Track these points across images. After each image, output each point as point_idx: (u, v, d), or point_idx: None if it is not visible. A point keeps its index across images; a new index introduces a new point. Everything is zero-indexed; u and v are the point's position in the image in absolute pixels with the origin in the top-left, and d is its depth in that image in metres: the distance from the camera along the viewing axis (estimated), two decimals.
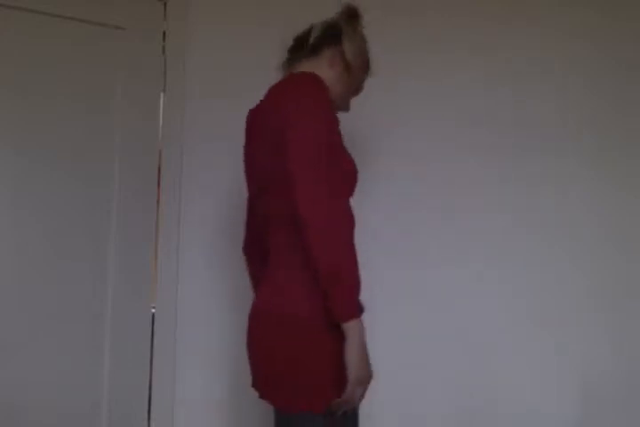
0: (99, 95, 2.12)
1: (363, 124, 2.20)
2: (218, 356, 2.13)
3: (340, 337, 1.30)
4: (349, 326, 1.28)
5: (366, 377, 1.30)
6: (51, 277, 1.99)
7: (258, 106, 1.56)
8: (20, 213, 1.98)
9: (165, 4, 2.24)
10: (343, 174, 1.44)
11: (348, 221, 1.40)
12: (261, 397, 1.42)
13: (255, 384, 1.45)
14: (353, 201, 1.49)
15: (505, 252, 2.23)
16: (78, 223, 2.05)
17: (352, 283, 1.28)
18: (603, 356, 2.19)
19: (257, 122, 1.53)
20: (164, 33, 2.23)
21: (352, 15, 1.60)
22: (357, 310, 1.30)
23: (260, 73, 2.22)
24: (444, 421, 2.15)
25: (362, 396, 1.31)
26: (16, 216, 1.98)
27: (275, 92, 1.49)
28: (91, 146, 2.10)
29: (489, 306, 2.20)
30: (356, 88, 1.66)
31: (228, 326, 2.13)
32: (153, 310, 2.13)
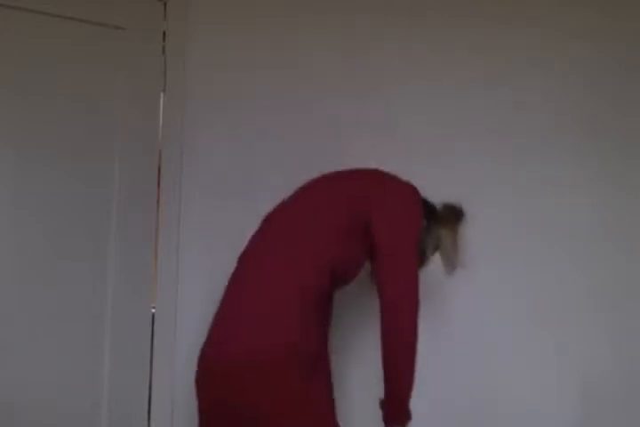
0: (99, 95, 2.12)
1: (362, 124, 2.20)
2: None
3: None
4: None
5: None
6: (51, 277, 1.99)
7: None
8: (20, 214, 1.98)
9: (165, 4, 2.24)
10: None
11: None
12: None
13: None
14: None
15: (505, 251, 2.23)
16: (78, 223, 2.05)
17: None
18: (603, 356, 2.19)
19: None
20: (164, 33, 2.23)
21: (455, 214, 1.69)
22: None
23: (261, 73, 2.23)
24: (443, 420, 2.15)
25: None
26: (16, 216, 1.98)
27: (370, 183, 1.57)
28: (91, 146, 2.10)
29: (489, 306, 2.20)
30: None
31: None
32: (153, 310, 2.13)
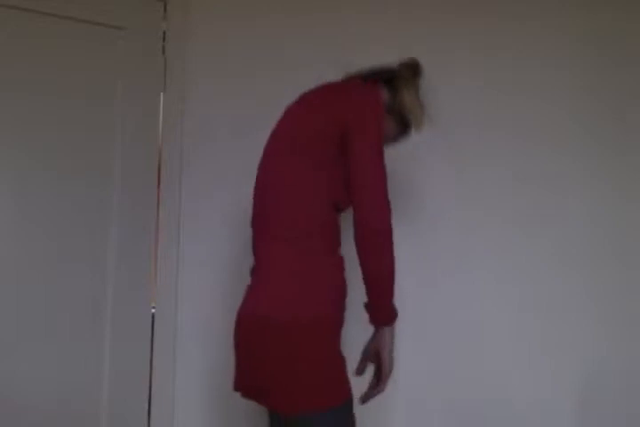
0: (99, 95, 2.12)
1: None
2: (218, 356, 2.13)
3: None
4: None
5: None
6: (51, 276, 2.00)
7: (306, 97, 1.56)
8: (21, 213, 1.98)
9: (165, 4, 2.24)
10: None
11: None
12: (270, 406, 1.40)
13: (259, 391, 1.42)
14: None
15: (505, 251, 2.23)
16: (78, 223, 2.05)
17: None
18: (603, 356, 2.19)
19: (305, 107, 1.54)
20: (164, 33, 2.24)
21: (416, 71, 1.65)
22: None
23: (261, 73, 2.23)
24: (444, 420, 2.15)
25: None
26: (16, 216, 1.98)
27: (336, 92, 1.52)
28: (91, 146, 2.10)
29: (487, 306, 2.19)
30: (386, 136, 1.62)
31: (227, 325, 2.13)
32: (153, 310, 2.13)
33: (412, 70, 1.65)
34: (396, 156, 2.28)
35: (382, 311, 1.45)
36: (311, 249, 1.43)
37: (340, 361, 1.40)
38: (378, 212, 1.40)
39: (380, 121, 1.45)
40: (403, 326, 2.16)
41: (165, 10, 2.24)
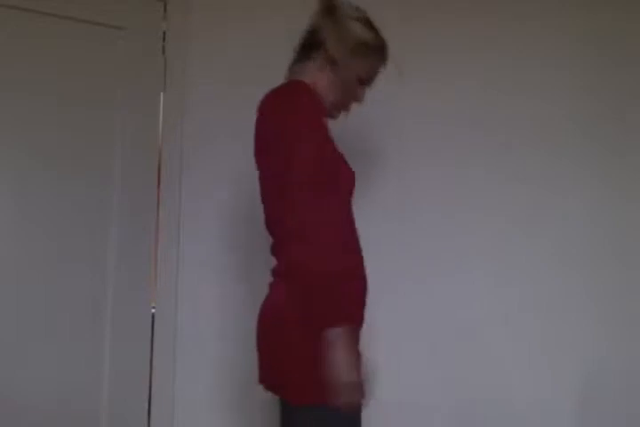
0: (99, 95, 2.12)
1: (362, 124, 2.20)
2: (218, 356, 2.13)
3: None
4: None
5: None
6: (51, 276, 2.00)
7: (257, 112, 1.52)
8: (21, 213, 1.98)
9: (165, 4, 2.24)
10: (342, 181, 1.44)
11: (344, 228, 1.36)
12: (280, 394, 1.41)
13: (271, 380, 1.43)
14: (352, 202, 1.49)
15: (504, 251, 2.23)
16: (78, 223, 2.05)
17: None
18: (603, 356, 2.19)
19: (256, 128, 1.52)
20: (164, 33, 2.23)
21: (328, 8, 1.51)
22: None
23: (261, 73, 2.23)
24: (443, 419, 2.15)
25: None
26: (16, 216, 1.98)
27: (269, 102, 1.47)
28: (91, 146, 2.10)
29: (487, 306, 2.20)
30: (352, 92, 1.54)
31: (227, 325, 2.13)
32: (153, 310, 2.13)
33: (326, 11, 1.51)
34: (396, 155, 2.28)
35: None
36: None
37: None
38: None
39: (305, 130, 1.35)
40: (403, 326, 2.17)
41: (165, 10, 2.24)
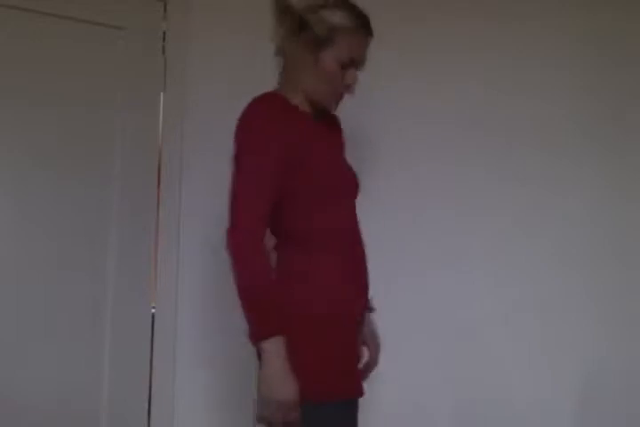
0: (99, 95, 2.12)
1: (362, 124, 2.20)
2: (218, 356, 2.13)
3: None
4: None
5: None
6: (51, 277, 1.99)
7: None
8: (21, 215, 1.98)
9: (165, 4, 2.24)
10: (322, 187, 1.44)
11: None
12: None
13: None
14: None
15: (504, 251, 2.23)
16: (78, 224, 2.05)
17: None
18: (603, 356, 2.19)
19: None
20: (164, 33, 2.23)
21: (282, 9, 1.44)
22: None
23: (261, 73, 2.23)
24: (444, 419, 2.15)
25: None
26: (16, 217, 1.98)
27: (241, 114, 1.47)
28: (91, 146, 2.10)
29: (487, 305, 2.19)
30: (338, 80, 1.47)
31: (228, 326, 2.13)
32: (153, 310, 2.13)
33: (280, 23, 1.45)
34: (396, 155, 2.28)
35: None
36: (309, 249, 1.45)
37: (334, 361, 1.40)
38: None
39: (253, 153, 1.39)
40: (403, 326, 2.17)
41: (165, 10, 2.24)
